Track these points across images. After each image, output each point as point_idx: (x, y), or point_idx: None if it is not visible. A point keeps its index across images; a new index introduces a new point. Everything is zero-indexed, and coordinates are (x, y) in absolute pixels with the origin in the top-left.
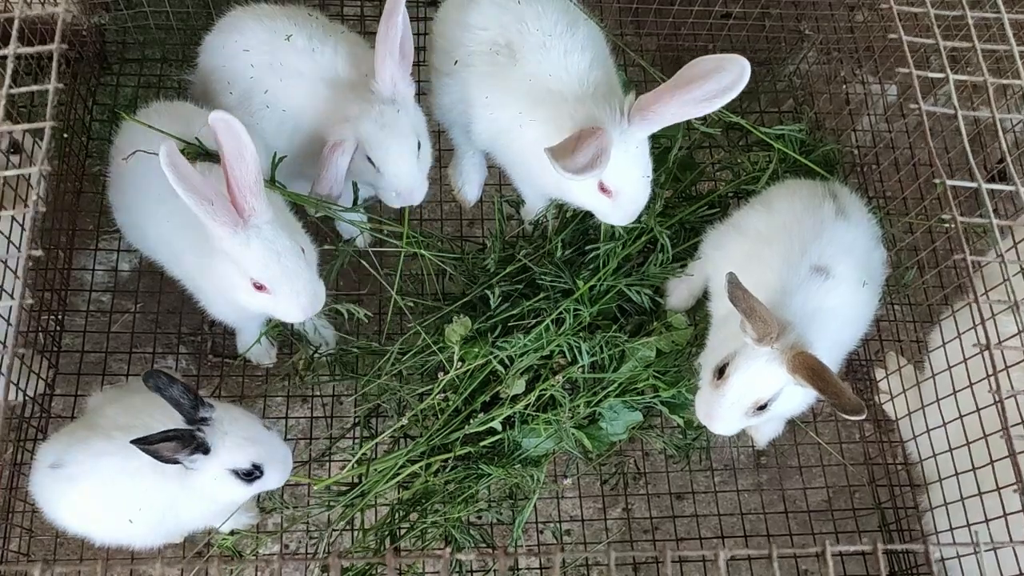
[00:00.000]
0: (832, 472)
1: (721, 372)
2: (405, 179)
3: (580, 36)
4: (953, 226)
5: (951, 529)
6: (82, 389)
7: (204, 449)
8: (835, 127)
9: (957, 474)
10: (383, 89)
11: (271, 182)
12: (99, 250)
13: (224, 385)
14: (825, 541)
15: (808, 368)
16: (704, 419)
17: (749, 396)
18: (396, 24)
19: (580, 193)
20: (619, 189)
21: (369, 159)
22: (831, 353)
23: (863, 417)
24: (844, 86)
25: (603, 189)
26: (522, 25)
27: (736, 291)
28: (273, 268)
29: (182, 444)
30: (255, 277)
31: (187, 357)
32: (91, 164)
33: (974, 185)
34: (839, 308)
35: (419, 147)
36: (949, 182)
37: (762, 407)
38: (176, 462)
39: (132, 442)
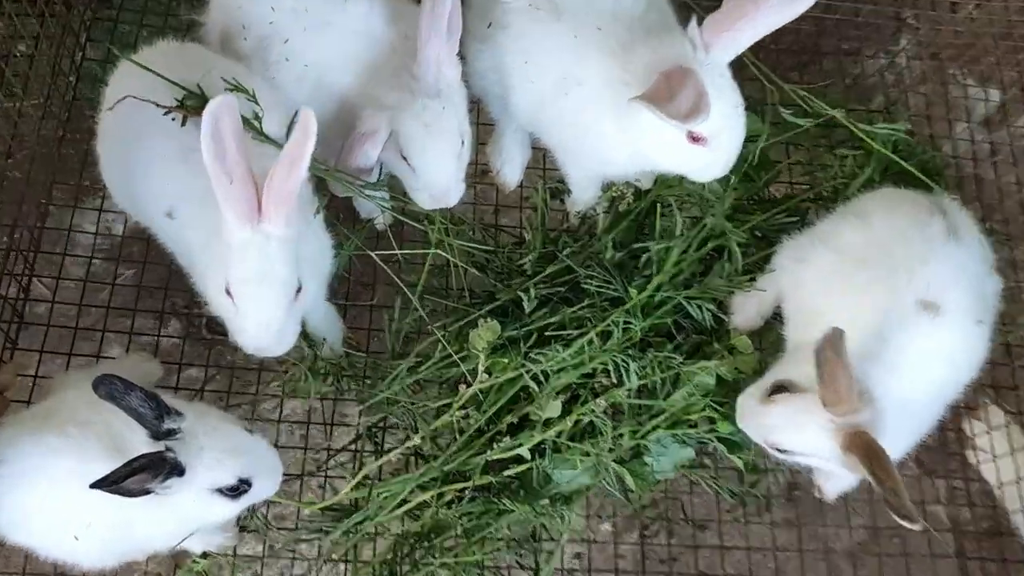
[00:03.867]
0: (881, 509)
1: (777, 391)
2: (442, 183)
3: None
4: None
5: None
6: (46, 370)
7: (179, 471)
8: (932, 133)
9: None
10: (426, 75)
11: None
12: (79, 208)
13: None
14: None
15: (865, 450)
16: (738, 416)
17: (777, 436)
18: None
19: (667, 152)
20: (714, 132)
21: (403, 156)
22: (931, 408)
23: (917, 527)
24: (946, 87)
25: (695, 138)
26: None
27: (828, 351)
28: (250, 289)
29: (152, 473)
30: (230, 282)
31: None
32: (79, 109)
33: None
34: (946, 352)
35: (462, 144)
36: None
37: (785, 450)
38: (148, 492)
39: (91, 487)
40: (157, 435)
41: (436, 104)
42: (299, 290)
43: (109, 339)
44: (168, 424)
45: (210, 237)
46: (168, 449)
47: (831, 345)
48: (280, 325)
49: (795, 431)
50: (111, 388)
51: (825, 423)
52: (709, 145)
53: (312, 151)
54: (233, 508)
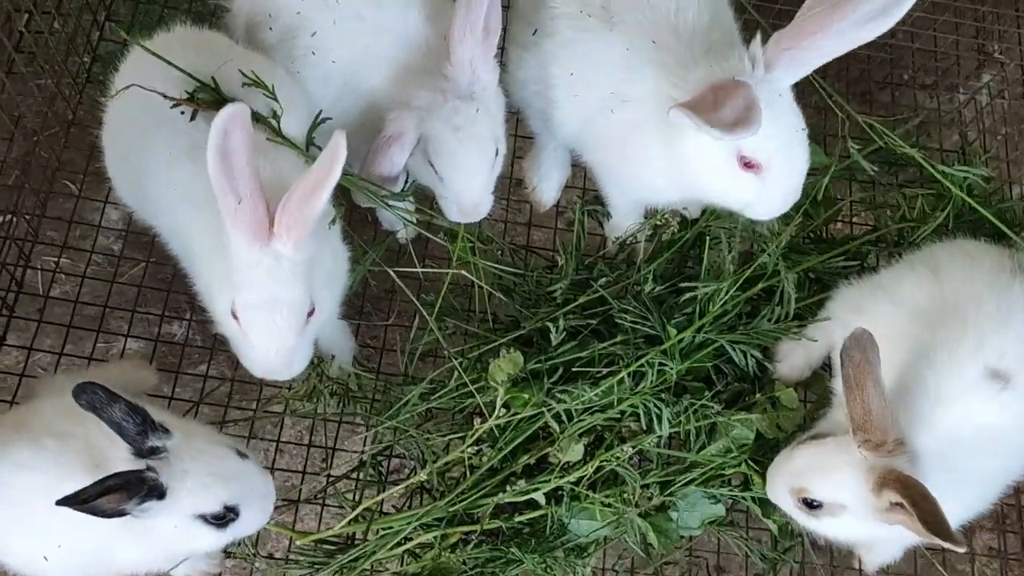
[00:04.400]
0: None
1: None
2: (472, 196)
3: None
4: None
5: None
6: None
7: (159, 494)
8: (1010, 181)
9: None
10: (460, 77)
11: (308, 147)
12: (82, 198)
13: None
14: None
15: (901, 482)
16: (767, 476)
17: (802, 478)
18: None
19: (716, 178)
20: (769, 158)
21: (431, 163)
22: (984, 491)
23: (962, 549)
24: None
25: (747, 164)
26: None
27: (855, 352)
28: (258, 316)
29: (128, 493)
30: (236, 306)
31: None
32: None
33: None
34: (1012, 431)
35: (496, 153)
36: None
37: (812, 505)
38: (123, 514)
39: (59, 503)
40: (140, 452)
41: (469, 107)
42: (311, 312)
43: (110, 339)
44: (152, 441)
45: (216, 247)
46: (149, 468)
47: (858, 345)
48: (290, 352)
49: (822, 474)
50: (93, 397)
51: (856, 461)
52: (763, 175)
53: (338, 172)
54: (219, 538)
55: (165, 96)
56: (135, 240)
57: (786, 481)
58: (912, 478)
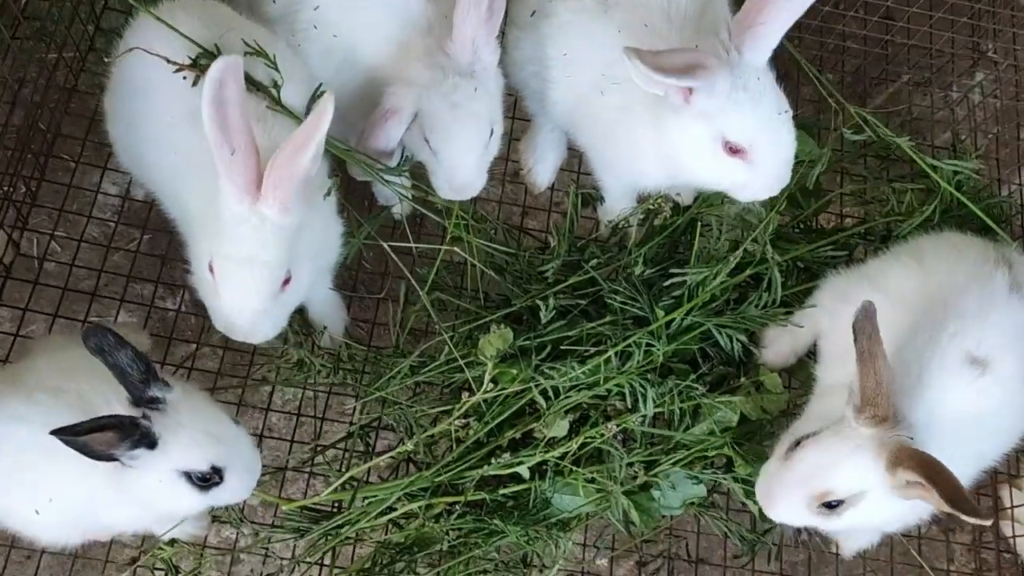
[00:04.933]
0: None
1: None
2: (464, 173)
3: None
4: None
5: None
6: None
7: (149, 442)
8: (1000, 178)
9: None
10: (460, 55)
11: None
12: (82, 163)
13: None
14: None
15: (916, 459)
16: (761, 497)
17: (818, 481)
18: None
19: (701, 162)
20: (753, 143)
21: (426, 139)
22: (963, 473)
23: (988, 522)
24: (1020, 128)
25: (732, 150)
26: None
27: (866, 324)
28: (232, 268)
29: (120, 435)
30: (214, 257)
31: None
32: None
33: None
34: (988, 414)
35: (491, 134)
36: None
37: (832, 505)
38: (112, 458)
39: (53, 433)
40: (138, 401)
41: (468, 84)
42: (287, 280)
43: (106, 304)
44: (153, 392)
45: (208, 207)
46: (145, 416)
47: (869, 318)
48: (256, 314)
49: (834, 465)
50: (102, 340)
51: (865, 442)
52: (749, 159)
53: (325, 136)
54: (199, 501)
55: (168, 60)
56: (132, 216)
57: (802, 492)
58: (925, 454)
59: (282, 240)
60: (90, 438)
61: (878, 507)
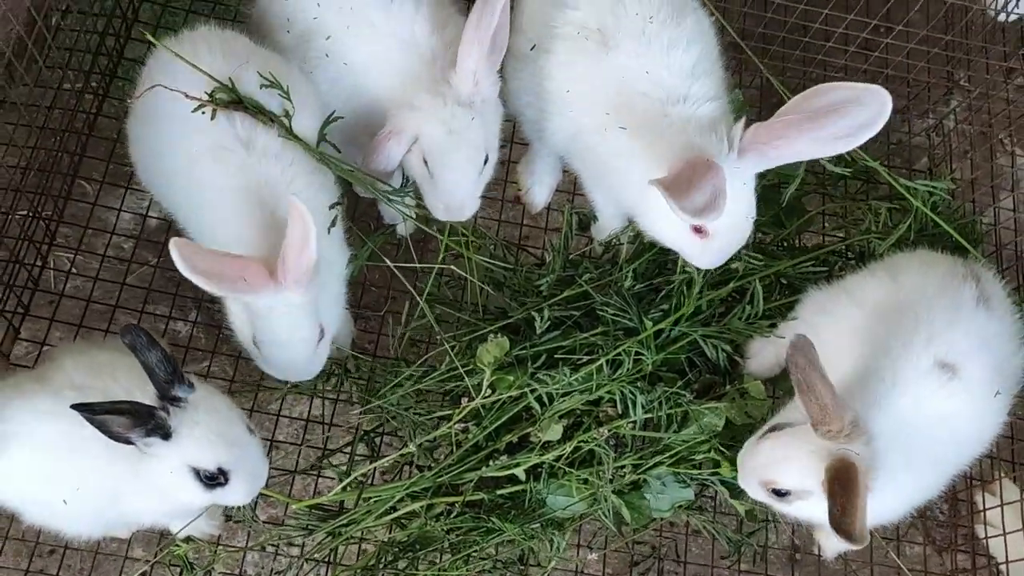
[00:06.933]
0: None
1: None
2: (458, 196)
3: (688, 28)
4: None
5: None
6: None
7: (164, 433)
8: (974, 200)
9: None
10: (462, 85)
11: (319, 144)
12: (106, 183)
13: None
14: None
15: (835, 473)
16: (739, 472)
17: (768, 471)
18: (496, 9)
19: (667, 228)
20: (717, 230)
21: (425, 161)
22: (935, 472)
23: (858, 546)
24: (993, 154)
25: (697, 229)
26: (619, 6)
27: (798, 357)
28: (277, 350)
29: (135, 421)
30: (259, 344)
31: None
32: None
33: None
34: (958, 418)
35: (485, 161)
36: None
37: (781, 494)
38: (128, 441)
39: (74, 407)
40: (163, 397)
41: (466, 114)
42: (322, 332)
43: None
44: (177, 391)
45: (237, 241)
46: (163, 409)
47: (800, 351)
48: (304, 372)
49: (786, 462)
50: (136, 339)
51: (816, 448)
52: (707, 240)
53: (314, 231)
54: (203, 497)
55: (187, 96)
56: (145, 244)
57: (755, 475)
58: (850, 467)
59: (310, 311)
60: (107, 418)
61: (823, 508)
